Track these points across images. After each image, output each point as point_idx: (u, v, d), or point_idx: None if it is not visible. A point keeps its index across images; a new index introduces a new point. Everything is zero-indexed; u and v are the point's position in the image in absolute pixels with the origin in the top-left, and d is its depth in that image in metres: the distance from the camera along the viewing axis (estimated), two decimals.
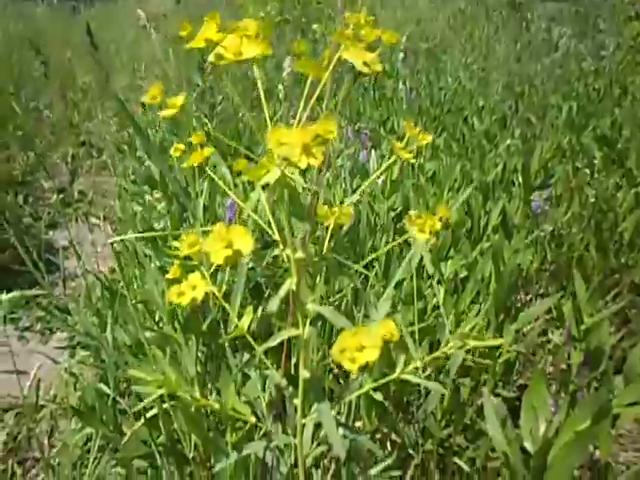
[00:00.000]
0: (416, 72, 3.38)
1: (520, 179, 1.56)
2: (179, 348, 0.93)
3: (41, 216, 3.00)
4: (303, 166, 0.40)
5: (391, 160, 0.61)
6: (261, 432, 0.82)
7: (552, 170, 1.45)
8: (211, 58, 0.45)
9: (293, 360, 0.88)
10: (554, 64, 3.36)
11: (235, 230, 0.44)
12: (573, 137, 2.03)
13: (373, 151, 1.68)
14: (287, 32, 3.83)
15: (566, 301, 1.06)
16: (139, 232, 0.92)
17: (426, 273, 1.27)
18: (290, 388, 0.61)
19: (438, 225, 0.55)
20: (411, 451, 1.04)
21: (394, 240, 1.45)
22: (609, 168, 1.80)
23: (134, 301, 1.27)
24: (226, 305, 0.60)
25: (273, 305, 0.50)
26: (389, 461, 0.65)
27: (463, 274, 1.32)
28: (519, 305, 1.31)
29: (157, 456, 1.05)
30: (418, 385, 1.21)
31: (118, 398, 1.36)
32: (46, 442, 1.62)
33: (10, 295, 1.08)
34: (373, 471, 0.64)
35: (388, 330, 0.51)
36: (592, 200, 1.60)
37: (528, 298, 1.42)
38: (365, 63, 0.45)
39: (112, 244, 0.98)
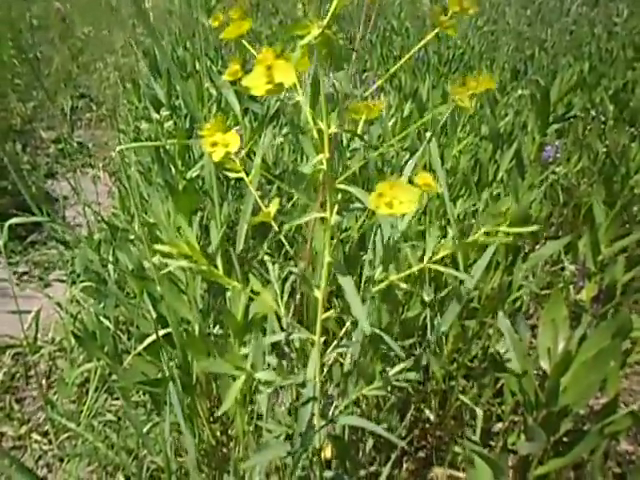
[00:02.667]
0: (424, 31, 3.31)
1: (532, 131, 1.53)
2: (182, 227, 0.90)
3: (40, 165, 2.95)
4: None
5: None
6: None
7: (572, 104, 1.42)
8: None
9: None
10: (565, 29, 3.29)
11: (278, 64, 0.42)
12: (585, 95, 1.99)
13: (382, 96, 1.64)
14: None
15: (577, 242, 1.04)
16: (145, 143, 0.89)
17: (433, 215, 1.25)
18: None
19: (481, 88, 0.51)
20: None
21: None
22: (620, 125, 1.76)
23: (139, 229, 1.25)
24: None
25: (306, 168, 0.48)
26: (408, 363, 0.63)
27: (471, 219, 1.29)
28: (527, 251, 1.29)
29: (160, 384, 1.04)
30: (423, 324, 1.20)
31: (119, 333, 1.36)
32: (44, 382, 1.62)
33: (12, 221, 1.05)
34: (392, 371, 0.62)
35: (425, 182, 0.48)
36: (603, 154, 1.58)
37: (537, 247, 1.40)
38: None
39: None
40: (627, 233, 1.41)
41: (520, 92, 1.68)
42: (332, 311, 0.57)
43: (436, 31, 0.51)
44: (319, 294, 0.55)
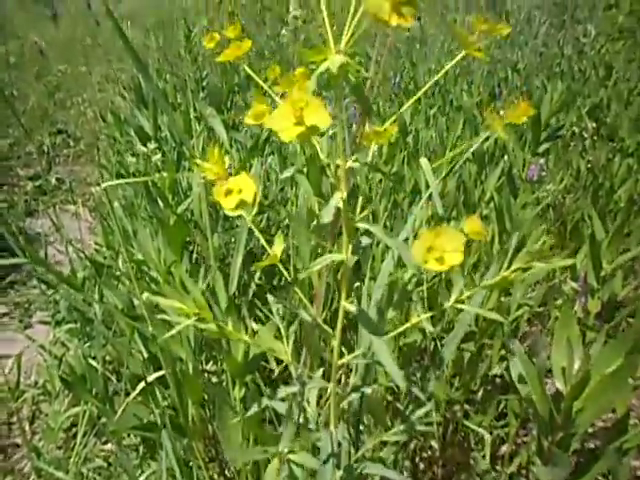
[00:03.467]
0: (399, 57, 3.38)
1: (513, 150, 1.54)
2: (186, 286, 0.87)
3: (18, 202, 2.90)
4: (393, 24, 0.35)
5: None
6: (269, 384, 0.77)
7: (560, 121, 1.44)
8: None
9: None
10: (535, 50, 3.37)
11: (310, 100, 0.37)
12: (562, 114, 2.02)
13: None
14: None
15: (575, 257, 1.04)
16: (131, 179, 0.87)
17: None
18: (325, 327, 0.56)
19: (523, 118, 0.50)
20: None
21: (391, 208, 1.42)
22: (600, 141, 1.79)
23: (123, 267, 1.21)
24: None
25: (327, 215, 0.45)
26: (429, 407, 0.60)
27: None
28: None
29: (153, 428, 1.00)
30: (424, 347, 1.18)
31: (108, 374, 1.30)
32: (28, 428, 1.55)
33: None
34: (416, 414, 0.60)
35: (474, 229, 0.45)
36: (586, 170, 1.59)
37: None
38: None
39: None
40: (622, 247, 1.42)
41: (501, 114, 1.70)
42: (349, 357, 0.54)
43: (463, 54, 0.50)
44: (335, 343, 0.52)
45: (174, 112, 1.09)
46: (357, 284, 1.12)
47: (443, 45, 3.64)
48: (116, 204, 1.18)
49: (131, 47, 0.65)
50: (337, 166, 0.47)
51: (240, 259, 0.93)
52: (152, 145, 0.86)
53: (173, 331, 0.46)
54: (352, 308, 0.51)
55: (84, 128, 3.81)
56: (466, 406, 1.20)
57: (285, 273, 0.54)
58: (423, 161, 0.85)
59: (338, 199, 0.46)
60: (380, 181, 1.49)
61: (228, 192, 0.46)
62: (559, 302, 1.07)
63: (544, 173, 1.44)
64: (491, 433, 1.18)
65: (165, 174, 0.88)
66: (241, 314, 0.93)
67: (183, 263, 0.99)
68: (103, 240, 1.56)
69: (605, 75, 2.56)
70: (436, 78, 0.53)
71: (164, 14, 4.86)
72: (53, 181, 3.18)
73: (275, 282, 1.26)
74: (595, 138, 1.78)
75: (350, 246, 0.50)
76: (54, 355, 1.56)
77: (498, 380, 1.28)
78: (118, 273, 1.23)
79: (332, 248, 0.59)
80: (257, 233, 0.54)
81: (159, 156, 0.87)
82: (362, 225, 0.48)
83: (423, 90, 0.56)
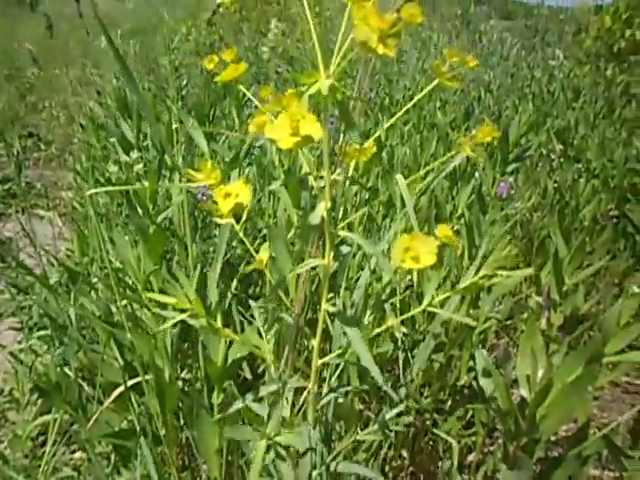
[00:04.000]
0: (374, 74, 3.44)
1: (484, 169, 1.60)
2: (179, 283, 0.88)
3: None
4: (380, 53, 0.39)
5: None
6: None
7: (528, 143, 1.50)
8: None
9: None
10: (507, 72, 3.48)
11: (305, 117, 0.41)
12: (531, 134, 2.10)
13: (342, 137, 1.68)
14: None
15: (540, 271, 1.08)
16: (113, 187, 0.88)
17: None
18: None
19: (488, 138, 0.54)
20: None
21: (366, 221, 1.45)
22: (567, 162, 1.87)
23: (100, 274, 1.21)
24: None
25: (315, 217, 0.48)
26: (402, 406, 0.63)
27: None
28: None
29: (127, 435, 1.00)
30: (395, 357, 1.21)
31: (80, 382, 1.30)
32: None
33: None
34: (388, 415, 0.62)
35: (445, 234, 0.49)
36: (553, 189, 1.66)
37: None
38: None
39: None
40: (585, 263, 1.48)
41: (473, 132, 1.76)
42: (328, 358, 0.57)
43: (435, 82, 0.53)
44: (315, 343, 0.55)
45: (157, 122, 1.11)
46: (331, 295, 1.15)
47: (418, 63, 3.72)
48: (92, 212, 1.18)
49: (121, 58, 0.66)
50: (322, 178, 0.50)
51: (219, 267, 0.95)
52: (135, 154, 0.87)
53: (168, 324, 0.48)
54: (332, 308, 0.54)
55: (56, 132, 3.76)
56: (435, 415, 1.23)
57: (269, 276, 0.56)
58: (399, 177, 0.88)
59: (323, 208, 0.50)
60: (355, 194, 1.53)
61: (226, 195, 0.49)
62: (525, 315, 1.12)
63: (513, 191, 1.49)
64: (459, 442, 1.22)
65: (146, 183, 0.89)
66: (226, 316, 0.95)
67: (162, 271, 1.00)
68: (77, 247, 1.55)
69: (573, 97, 2.67)
70: (415, 100, 0.56)
71: (142, 21, 4.85)
72: (23, 185, 3.13)
73: (251, 291, 1.28)
74: (562, 159, 1.86)
75: (332, 252, 0.53)
76: (24, 362, 1.53)
77: (466, 390, 1.32)
78: (94, 280, 1.23)
79: (314, 254, 0.62)
80: (242, 237, 0.57)
81: (141, 165, 0.88)
82: (344, 233, 0.52)
83: (402, 111, 0.59)
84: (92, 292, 1.30)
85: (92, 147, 1.86)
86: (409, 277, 1.27)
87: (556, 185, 1.63)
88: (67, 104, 3.94)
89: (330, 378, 0.65)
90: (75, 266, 1.61)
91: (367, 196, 1.46)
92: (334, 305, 0.53)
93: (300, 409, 0.68)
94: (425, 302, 0.56)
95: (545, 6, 7.07)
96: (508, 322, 1.51)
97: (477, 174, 1.75)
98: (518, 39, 4.83)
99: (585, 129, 2.16)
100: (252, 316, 0.66)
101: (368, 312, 0.69)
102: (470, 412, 1.30)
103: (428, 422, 1.18)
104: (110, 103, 1.84)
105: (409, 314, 0.60)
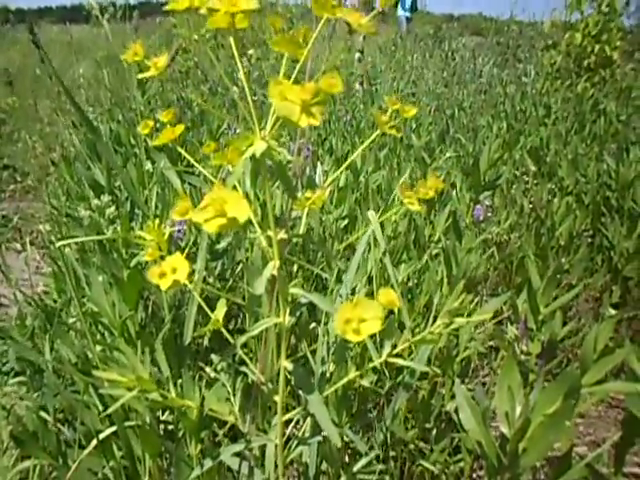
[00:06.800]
0: (350, 96, 3.47)
1: (461, 189, 1.62)
2: (126, 357, 0.87)
3: None
4: (303, 125, 0.38)
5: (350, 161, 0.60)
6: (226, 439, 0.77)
7: (499, 171, 1.52)
8: (203, 11, 0.43)
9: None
10: (480, 89, 3.54)
11: (228, 196, 0.41)
12: (506, 153, 2.13)
13: (319, 165, 1.69)
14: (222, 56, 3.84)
15: (517, 298, 1.09)
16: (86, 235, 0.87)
17: (376, 281, 1.28)
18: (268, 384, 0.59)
19: (431, 193, 0.54)
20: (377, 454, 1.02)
21: (344, 248, 1.45)
22: (540, 180, 1.90)
23: (76, 317, 1.19)
24: (202, 303, 0.57)
25: (259, 287, 0.48)
26: (372, 455, 0.62)
27: (414, 280, 1.33)
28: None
29: None
30: (376, 392, 1.21)
31: (60, 426, 1.27)
32: None
33: None
34: (356, 467, 0.62)
35: (388, 300, 0.49)
36: (529, 208, 1.68)
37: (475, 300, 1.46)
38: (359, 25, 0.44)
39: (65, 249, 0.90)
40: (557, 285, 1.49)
41: (448, 155, 1.78)
42: (292, 413, 0.56)
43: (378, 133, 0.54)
44: (278, 399, 0.55)
45: (128, 162, 1.10)
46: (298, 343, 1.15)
47: (393, 83, 3.77)
48: (68, 250, 1.17)
49: (81, 110, 0.66)
50: (269, 237, 0.50)
51: (195, 310, 0.94)
52: (106, 198, 0.86)
53: (116, 404, 0.47)
54: (290, 366, 0.54)
55: (31, 163, 3.72)
56: (421, 444, 1.23)
57: (229, 337, 0.56)
58: (370, 214, 0.89)
59: (271, 268, 0.50)
60: (333, 222, 1.53)
61: (162, 274, 0.48)
62: (507, 336, 1.13)
63: (489, 214, 1.51)
64: (447, 468, 1.21)
65: (118, 227, 0.88)
66: (195, 367, 0.94)
67: (138, 313, 0.99)
68: (54, 285, 1.53)
69: (545, 114, 2.72)
70: (356, 153, 0.57)
71: (115, 48, 4.84)
72: None
73: (232, 326, 1.27)
74: (536, 178, 1.88)
75: (287, 309, 0.53)
76: (1, 406, 1.50)
77: (452, 414, 1.32)
78: (70, 321, 1.21)
79: (269, 313, 0.62)
80: (202, 303, 0.56)
81: (113, 209, 0.88)
82: (295, 291, 0.51)
83: (355, 154, 0.59)
84: (70, 331, 1.28)
85: (66, 182, 1.85)
86: None
87: (531, 205, 1.65)
88: (43, 134, 3.91)
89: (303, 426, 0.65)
90: (53, 304, 1.59)
91: (345, 224, 1.47)
92: (293, 362, 0.53)
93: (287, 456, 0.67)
94: (385, 353, 0.56)
95: (515, 20, 7.23)
96: (491, 342, 1.51)
97: (454, 195, 1.77)
98: (490, 56, 4.93)
99: (557, 145, 2.19)
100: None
101: (331, 363, 0.69)
102: (457, 438, 1.30)
103: (414, 452, 1.17)
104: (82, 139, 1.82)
105: (370, 365, 0.60)
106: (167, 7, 0.46)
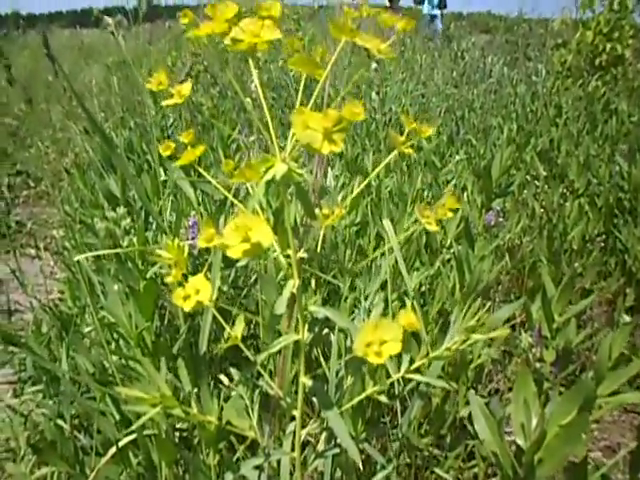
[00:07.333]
0: (360, 98, 3.47)
1: (472, 193, 1.62)
2: (147, 372, 0.88)
3: None
4: (325, 152, 0.39)
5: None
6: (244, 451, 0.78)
7: (511, 178, 1.52)
8: (227, 42, 0.43)
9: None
10: (490, 89, 3.53)
11: (252, 221, 0.41)
12: (515, 153, 2.12)
13: (329, 169, 1.70)
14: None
15: (531, 304, 1.09)
16: (108, 249, 0.88)
17: (390, 286, 1.28)
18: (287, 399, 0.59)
19: (449, 214, 0.55)
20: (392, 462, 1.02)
21: (356, 255, 1.46)
22: (552, 183, 1.89)
23: (92, 327, 1.21)
24: (220, 318, 0.58)
25: (280, 307, 0.48)
26: (390, 468, 0.63)
27: (427, 286, 1.34)
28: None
29: None
30: (390, 398, 1.21)
31: (76, 434, 1.28)
32: None
33: None
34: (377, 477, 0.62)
35: (409, 322, 0.50)
36: (541, 212, 1.67)
37: (487, 306, 1.45)
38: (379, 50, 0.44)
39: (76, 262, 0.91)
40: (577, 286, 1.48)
41: (458, 157, 1.78)
42: (310, 427, 0.57)
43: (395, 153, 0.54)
44: (297, 414, 0.55)
45: (141, 172, 1.12)
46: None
47: (402, 84, 3.76)
48: (82, 257, 1.18)
49: (98, 125, 0.67)
50: (288, 256, 0.51)
51: (209, 319, 0.95)
52: (121, 210, 0.87)
53: (140, 421, 0.48)
54: (309, 382, 0.55)
55: (45, 168, 3.76)
56: (435, 450, 1.23)
57: (248, 354, 0.56)
58: (386, 222, 0.89)
59: (291, 287, 0.50)
60: (345, 227, 1.54)
61: (186, 296, 0.49)
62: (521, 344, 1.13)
63: (501, 218, 1.51)
64: (461, 474, 1.21)
65: (133, 238, 0.90)
66: (209, 375, 0.95)
67: (154, 322, 1.00)
68: (68, 293, 1.55)
69: (556, 114, 2.70)
70: (377, 170, 0.57)
71: (127, 52, 4.87)
72: (12, 224, 3.12)
73: (245, 332, 1.28)
74: (547, 181, 1.88)
75: (307, 326, 0.54)
76: (19, 411, 1.51)
77: (466, 421, 1.32)
78: (86, 329, 1.23)
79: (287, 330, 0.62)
80: (216, 314, 0.57)
81: (128, 220, 0.89)
82: (315, 308, 0.52)
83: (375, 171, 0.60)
84: (85, 339, 1.30)
85: (80, 190, 1.87)
86: None
87: (543, 207, 1.65)
88: (56, 139, 3.94)
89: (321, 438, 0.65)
90: (68, 310, 1.61)
91: (357, 230, 1.47)
92: (313, 378, 0.53)
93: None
94: (403, 369, 0.57)
95: (524, 18, 7.18)
96: (504, 347, 1.51)
97: (465, 198, 1.77)
98: (500, 55, 4.90)
99: (569, 147, 2.18)
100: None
101: (349, 377, 0.69)
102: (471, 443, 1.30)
103: (428, 459, 1.17)
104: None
105: (389, 381, 0.60)
106: (187, 34, 0.46)
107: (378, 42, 0.44)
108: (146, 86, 0.57)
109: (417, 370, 0.59)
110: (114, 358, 0.92)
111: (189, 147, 0.56)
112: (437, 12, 8.26)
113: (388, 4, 8.00)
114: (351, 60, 2.84)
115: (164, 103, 0.51)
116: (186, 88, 0.51)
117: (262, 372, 0.60)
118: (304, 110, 0.39)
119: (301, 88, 0.50)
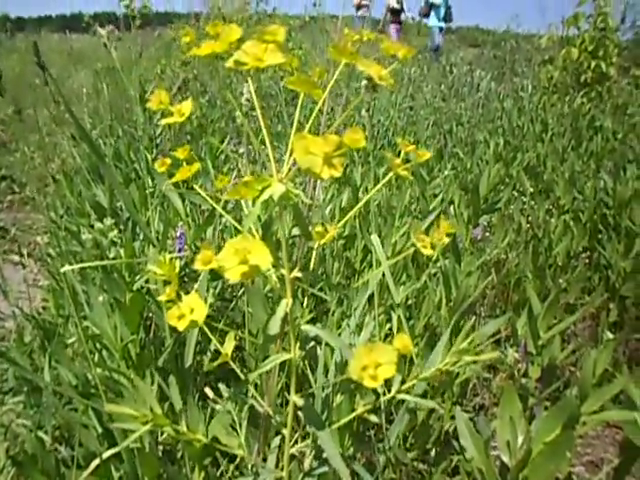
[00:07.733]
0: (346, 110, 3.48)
1: (459, 207, 1.63)
2: (132, 385, 0.87)
3: None
4: (325, 177, 0.39)
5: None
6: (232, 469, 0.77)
7: (499, 194, 1.53)
8: (229, 64, 0.43)
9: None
10: (478, 104, 3.57)
11: (250, 243, 0.41)
12: (502, 169, 2.14)
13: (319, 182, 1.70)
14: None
15: (517, 320, 1.10)
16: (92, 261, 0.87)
17: (376, 301, 1.29)
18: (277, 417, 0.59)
19: (445, 239, 0.55)
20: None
21: (344, 268, 1.46)
22: (538, 197, 1.91)
23: (76, 338, 1.19)
24: (209, 334, 0.57)
25: (274, 327, 0.48)
26: None
27: (413, 299, 1.34)
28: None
29: None
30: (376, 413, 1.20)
31: (57, 446, 1.26)
32: None
33: None
34: None
35: (403, 345, 0.50)
36: (526, 227, 1.69)
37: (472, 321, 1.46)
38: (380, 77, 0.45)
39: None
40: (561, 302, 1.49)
41: (446, 173, 1.80)
42: (300, 446, 0.57)
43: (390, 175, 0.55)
44: (286, 433, 0.55)
45: (129, 181, 1.11)
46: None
47: (391, 96, 3.79)
48: (67, 268, 1.17)
49: (86, 133, 0.67)
50: (282, 275, 0.51)
51: (196, 332, 0.94)
52: (108, 222, 0.87)
53: (130, 438, 0.47)
54: (300, 402, 0.54)
55: (30, 173, 3.72)
56: (421, 465, 1.23)
57: (239, 372, 0.56)
58: (373, 238, 0.90)
59: (285, 307, 0.50)
60: (333, 240, 1.54)
61: (180, 316, 0.48)
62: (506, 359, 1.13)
63: (487, 233, 1.52)
64: None
65: (121, 250, 0.89)
66: (195, 388, 0.94)
67: (139, 334, 0.99)
68: (52, 302, 1.53)
69: (542, 130, 2.74)
70: (373, 191, 0.58)
71: (116, 60, 4.86)
72: None
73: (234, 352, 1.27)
74: (533, 195, 1.90)
75: (298, 344, 0.53)
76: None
77: (451, 435, 1.32)
78: (70, 340, 1.21)
79: (279, 348, 0.62)
80: (204, 328, 0.57)
81: (115, 232, 0.88)
82: (307, 327, 0.52)
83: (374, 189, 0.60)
84: (69, 350, 1.28)
85: (66, 197, 1.85)
86: None
87: (529, 224, 1.66)
88: (41, 144, 3.91)
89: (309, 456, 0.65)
90: (51, 319, 1.59)
91: (344, 243, 1.47)
92: (302, 397, 0.53)
93: None
94: (394, 390, 0.57)
95: (511, 33, 7.28)
96: (489, 362, 1.52)
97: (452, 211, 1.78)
98: (488, 69, 4.97)
99: (554, 162, 2.21)
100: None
101: (338, 396, 0.69)
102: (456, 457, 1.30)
103: (413, 474, 1.17)
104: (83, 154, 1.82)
105: (379, 400, 0.60)
106: (189, 54, 0.46)
107: (379, 68, 0.44)
108: (136, 96, 0.56)
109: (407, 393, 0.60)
110: (98, 370, 0.91)
111: (184, 164, 0.55)
112: (443, 25, 8.27)
113: (391, 18, 8.04)
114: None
115: (164, 121, 0.50)
116: (186, 107, 0.51)
117: (250, 388, 0.60)
118: (305, 135, 0.39)
119: (299, 107, 0.51)
